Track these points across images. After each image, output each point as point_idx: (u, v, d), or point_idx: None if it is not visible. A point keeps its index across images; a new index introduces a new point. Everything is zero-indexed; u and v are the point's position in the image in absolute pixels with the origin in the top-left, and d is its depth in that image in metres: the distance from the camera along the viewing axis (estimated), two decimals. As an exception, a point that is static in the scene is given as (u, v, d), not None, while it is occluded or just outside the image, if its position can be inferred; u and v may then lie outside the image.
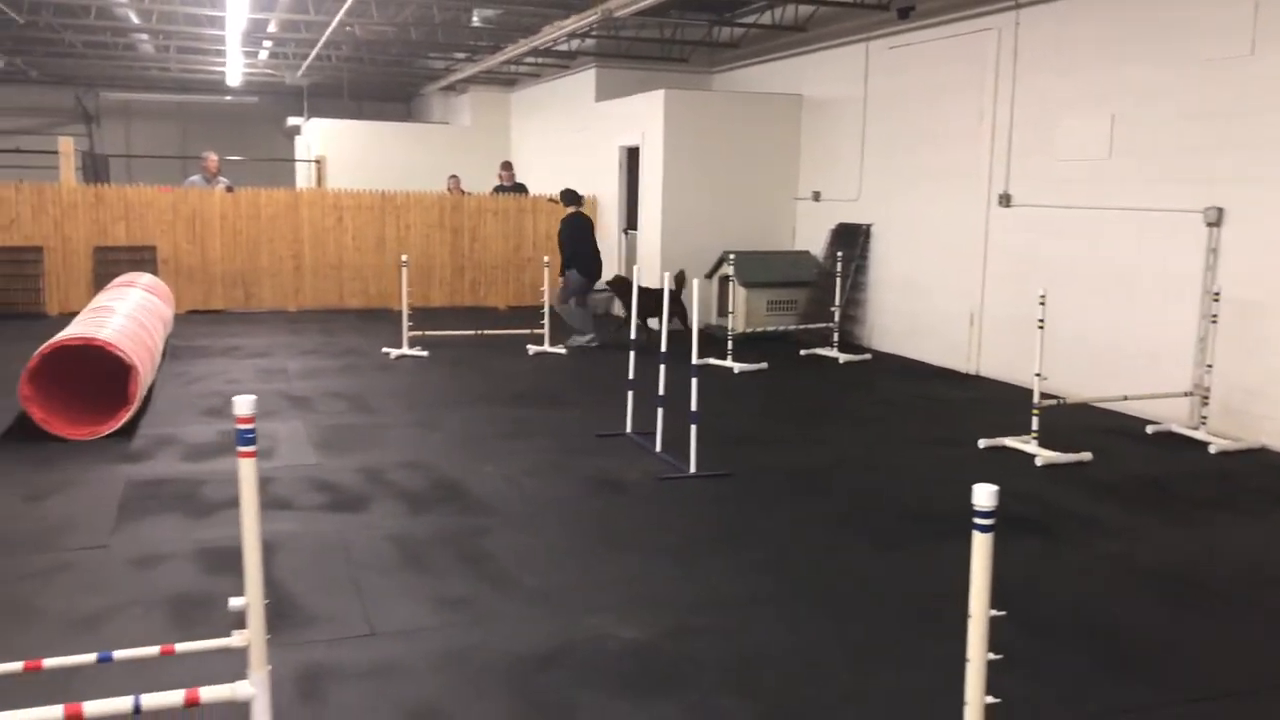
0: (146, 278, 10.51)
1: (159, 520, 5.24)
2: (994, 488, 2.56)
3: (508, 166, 15.15)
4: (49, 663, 3.14)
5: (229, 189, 13.23)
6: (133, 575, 4.53)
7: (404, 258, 10.65)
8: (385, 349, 10.41)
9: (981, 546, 2.55)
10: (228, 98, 22.75)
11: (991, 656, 2.59)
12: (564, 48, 14.18)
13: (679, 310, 10.66)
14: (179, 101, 23.11)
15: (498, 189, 14.91)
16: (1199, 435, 7.34)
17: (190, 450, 6.58)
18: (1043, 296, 7.00)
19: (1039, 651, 3.86)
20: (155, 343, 8.19)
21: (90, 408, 7.11)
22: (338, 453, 6.60)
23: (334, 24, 12.73)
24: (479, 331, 11.02)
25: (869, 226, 11.51)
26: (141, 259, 12.67)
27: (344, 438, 6.96)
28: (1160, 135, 7.99)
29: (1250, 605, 4.48)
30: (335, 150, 18.20)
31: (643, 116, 12.81)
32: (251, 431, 3.08)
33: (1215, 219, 7.54)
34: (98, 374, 7.50)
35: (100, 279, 12.25)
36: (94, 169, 18.44)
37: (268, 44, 15.84)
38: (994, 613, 2.58)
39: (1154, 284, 8.06)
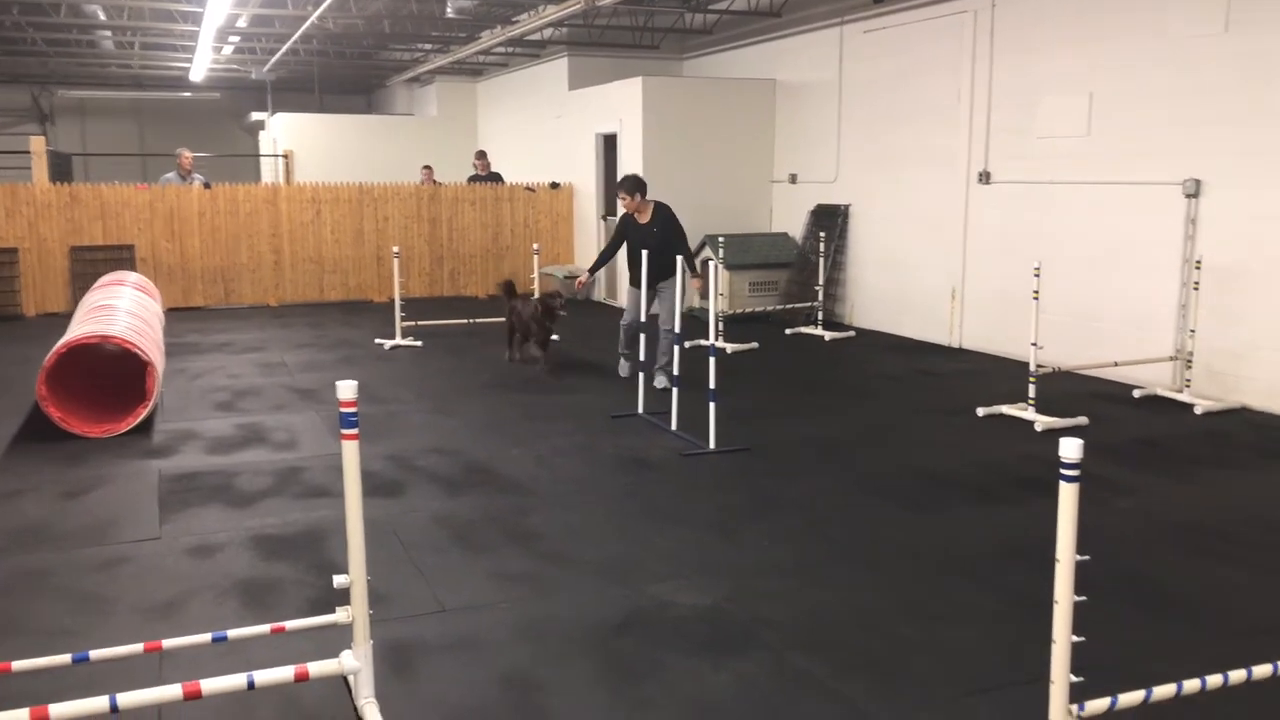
0: (134, 276, 10.45)
1: (203, 511, 5.32)
2: (1080, 441, 2.76)
3: (482, 155, 15.20)
4: (168, 643, 3.26)
5: (206, 185, 13.15)
6: (194, 564, 4.62)
7: (395, 249, 10.72)
8: (378, 340, 10.47)
9: (1068, 495, 2.75)
10: (187, 94, 22.46)
11: (1077, 598, 2.80)
12: (536, 36, 14.24)
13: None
14: (137, 98, 22.77)
15: (473, 178, 14.96)
16: (1184, 398, 7.68)
17: (213, 444, 6.64)
18: (1037, 268, 7.28)
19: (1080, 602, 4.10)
20: (161, 339, 8.20)
21: (104, 405, 7.14)
22: (362, 441, 6.65)
23: (313, 18, 12.69)
24: (471, 320, 11.11)
25: (847, 207, 11.76)
26: (120, 258, 12.58)
27: (363, 427, 6.97)
28: (1138, 111, 8.30)
29: (1265, 550, 4.76)
30: (302, 144, 18.12)
31: (620, 103, 12.94)
32: (354, 414, 3.21)
33: (1194, 190, 7.87)
34: (109, 372, 7.52)
35: (78, 279, 12.15)
36: (57, 168, 18.14)
37: (234, 39, 15.71)
38: (1080, 557, 2.79)
39: (1135, 255, 8.38)
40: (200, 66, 17.87)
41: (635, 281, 8.04)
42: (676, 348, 6.93)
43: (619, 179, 8.36)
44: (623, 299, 7.83)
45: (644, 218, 8.12)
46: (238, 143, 22.87)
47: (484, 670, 3.63)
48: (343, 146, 18.14)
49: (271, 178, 18.67)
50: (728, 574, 4.49)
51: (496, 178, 14.98)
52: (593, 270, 8.64)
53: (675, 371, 6.95)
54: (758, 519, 5.20)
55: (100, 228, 12.61)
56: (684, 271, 7.61)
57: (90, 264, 12.34)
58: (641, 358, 7.54)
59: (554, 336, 9.26)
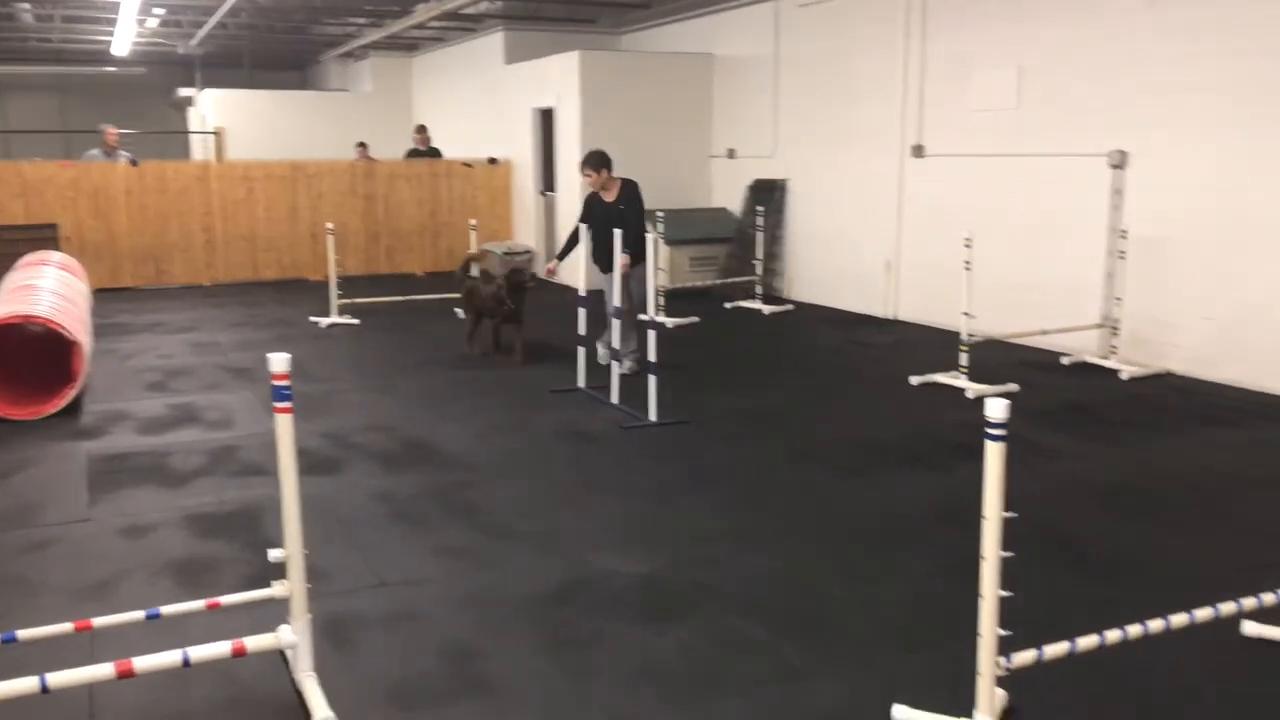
0: (58, 256, 10.19)
1: (134, 492, 5.23)
2: (1005, 401, 2.83)
3: (422, 130, 15.01)
4: (98, 622, 3.20)
5: (133, 163, 12.83)
6: (125, 545, 4.54)
7: (329, 225, 10.56)
8: (314, 318, 10.33)
9: (994, 454, 2.82)
10: (112, 69, 21.82)
11: (1004, 554, 2.87)
12: (471, 10, 14.06)
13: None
14: (59, 74, 22.08)
15: (412, 153, 14.78)
16: (1111, 364, 7.88)
17: (144, 424, 6.52)
18: (969, 239, 7.40)
19: (1007, 559, 4.21)
20: (87, 319, 8.01)
21: (29, 387, 6.96)
22: (297, 419, 6.54)
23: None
24: (408, 297, 11.01)
25: (785, 182, 11.84)
26: (42, 237, 12.19)
27: (299, 405, 6.93)
28: (1065, 84, 8.46)
29: (1186, 509, 4.92)
30: (233, 121, 17.73)
31: (557, 78, 12.85)
32: (287, 387, 3.17)
33: (1119, 161, 8.05)
34: (33, 353, 7.33)
35: (-1, 259, 11.80)
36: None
37: (160, 11, 15.30)
38: (1006, 514, 2.86)
39: (1064, 225, 8.56)
40: (124, 40, 17.37)
41: (602, 264, 7.50)
42: (651, 332, 6.59)
43: (584, 155, 7.71)
44: (578, 278, 7.26)
45: (610, 195, 7.62)
46: (165, 119, 22.29)
47: (424, 642, 3.63)
48: (275, 123, 17.80)
49: (202, 155, 18.28)
50: (667, 542, 4.53)
51: (436, 153, 14.81)
52: (561, 257, 7.85)
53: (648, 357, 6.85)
54: (697, 489, 5.25)
55: (21, 206, 12.24)
56: (632, 247, 7.20)
57: (11, 244, 11.92)
58: (616, 345, 7.04)
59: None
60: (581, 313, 7.29)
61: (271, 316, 10.70)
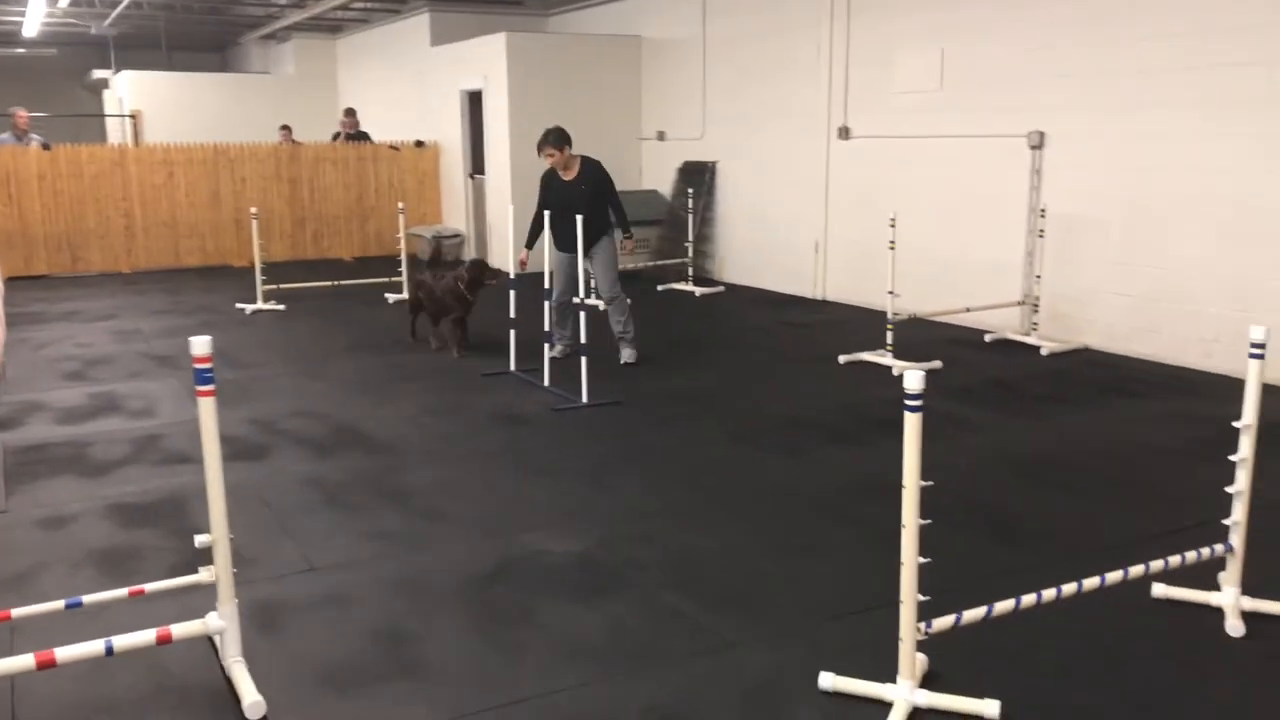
0: (-31, 243, 9.87)
1: (53, 483, 5.11)
2: (921, 372, 2.91)
3: (351, 113, 14.77)
4: (17, 612, 3.14)
5: (45, 146, 12.45)
6: (44, 536, 4.44)
7: (254, 210, 10.38)
8: (239, 305, 10.16)
9: (912, 424, 2.90)
10: (21, 50, 21.09)
11: (923, 522, 2.95)
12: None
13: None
14: (-37, 55, 21.29)
15: (338, 135, 14.55)
16: (1031, 340, 8.09)
17: (63, 414, 6.36)
18: (893, 219, 7.54)
19: (927, 528, 4.32)
20: (0, 308, 7.78)
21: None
22: (223, 406, 6.50)
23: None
24: (336, 282, 10.88)
25: (714, 164, 11.90)
26: (-48, 224, 11.83)
27: (224, 392, 6.86)
28: (986, 67, 8.63)
29: (1100, 479, 5.09)
30: (151, 104, 17.30)
31: (484, 60, 12.75)
32: (210, 371, 3.13)
33: (1038, 142, 8.24)
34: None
35: (-93, 248, 11.39)
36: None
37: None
38: (924, 483, 2.94)
39: (986, 205, 8.75)
40: (34, 20, 16.81)
41: (562, 245, 7.33)
42: (582, 314, 6.55)
43: (543, 133, 7.36)
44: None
45: (570, 174, 7.40)
46: (79, 102, 21.64)
47: (355, 625, 3.61)
48: (195, 106, 17.38)
49: (119, 139, 17.79)
50: (600, 521, 4.56)
51: (364, 136, 14.60)
52: (529, 245, 7.46)
53: (632, 334, 7.28)
54: (628, 469, 5.29)
55: (-71, 193, 11.83)
56: (614, 230, 7.28)
57: (-81, 231, 11.57)
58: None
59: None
60: (512, 295, 7.28)
61: (195, 303, 10.49)
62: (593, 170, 7.47)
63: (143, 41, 19.22)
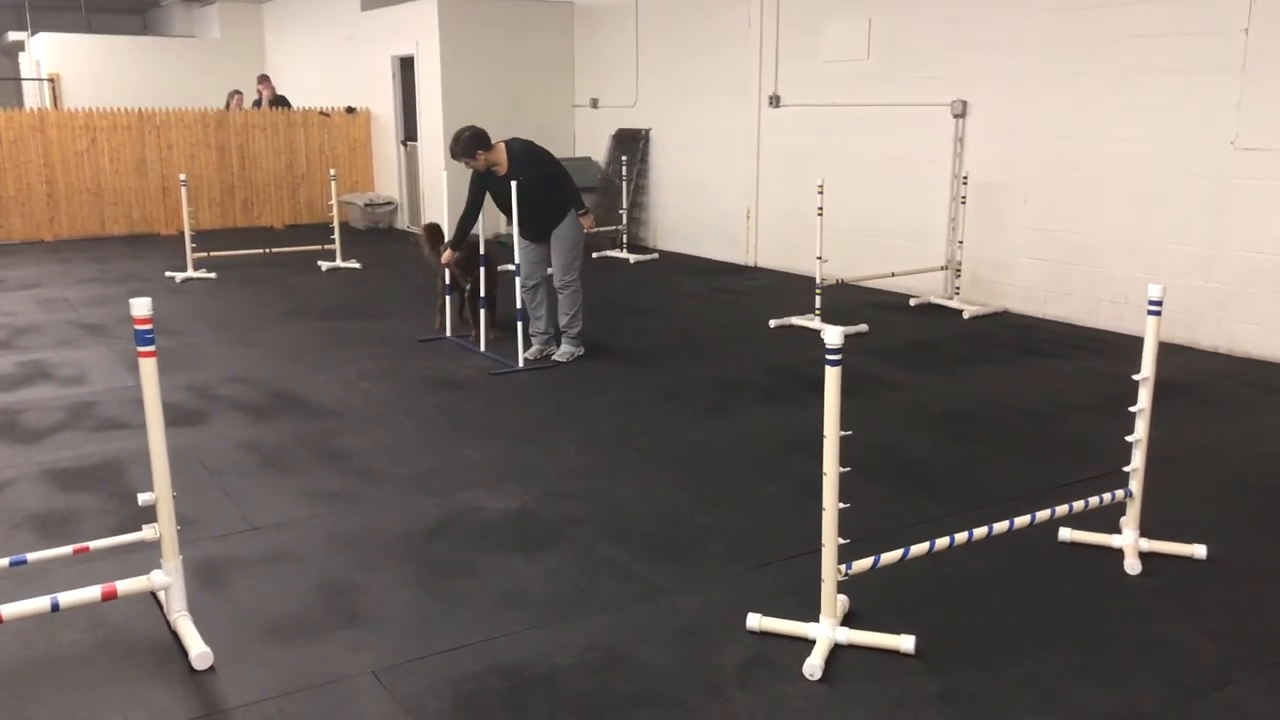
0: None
1: (-14, 450, 5.09)
2: (841, 329, 3.07)
3: (265, 80, 14.53)
4: (-39, 571, 3.18)
5: (-40, 111, 12.11)
6: (-20, 502, 4.45)
7: (182, 177, 10.23)
8: (169, 273, 10.04)
9: (832, 377, 3.07)
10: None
11: (842, 469, 3.13)
12: (324, -46, 13.67)
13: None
14: None
15: (258, 102, 14.32)
16: (954, 304, 8.37)
17: (-8, 383, 6.30)
18: (821, 186, 7.72)
19: (850, 479, 4.53)
20: (-79, 276, 7.62)
21: None
22: (159, 373, 6.47)
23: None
24: (268, 250, 10.79)
25: (648, 131, 12.00)
26: None
27: (159, 359, 6.73)
28: (912, 36, 8.83)
29: (1015, 433, 5.35)
30: (70, 68, 16.83)
31: (416, 25, 12.65)
32: (150, 332, 3.19)
33: (960, 111, 8.48)
34: None
35: None
36: None
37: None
38: (843, 433, 3.12)
39: (911, 172, 8.99)
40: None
41: (524, 234, 6.67)
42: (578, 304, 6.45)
43: (452, 141, 6.50)
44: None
45: (503, 169, 6.54)
46: (-6, 66, 20.97)
47: (298, 580, 3.71)
48: (117, 70, 16.93)
49: (36, 103, 17.29)
50: (536, 479, 4.69)
51: (283, 102, 14.39)
52: (454, 246, 6.99)
53: (576, 331, 6.66)
54: (564, 430, 5.42)
55: None
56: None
57: None
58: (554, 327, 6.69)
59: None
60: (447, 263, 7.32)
61: (122, 271, 10.35)
62: (523, 157, 6.56)
63: (60, 2, 18.67)
